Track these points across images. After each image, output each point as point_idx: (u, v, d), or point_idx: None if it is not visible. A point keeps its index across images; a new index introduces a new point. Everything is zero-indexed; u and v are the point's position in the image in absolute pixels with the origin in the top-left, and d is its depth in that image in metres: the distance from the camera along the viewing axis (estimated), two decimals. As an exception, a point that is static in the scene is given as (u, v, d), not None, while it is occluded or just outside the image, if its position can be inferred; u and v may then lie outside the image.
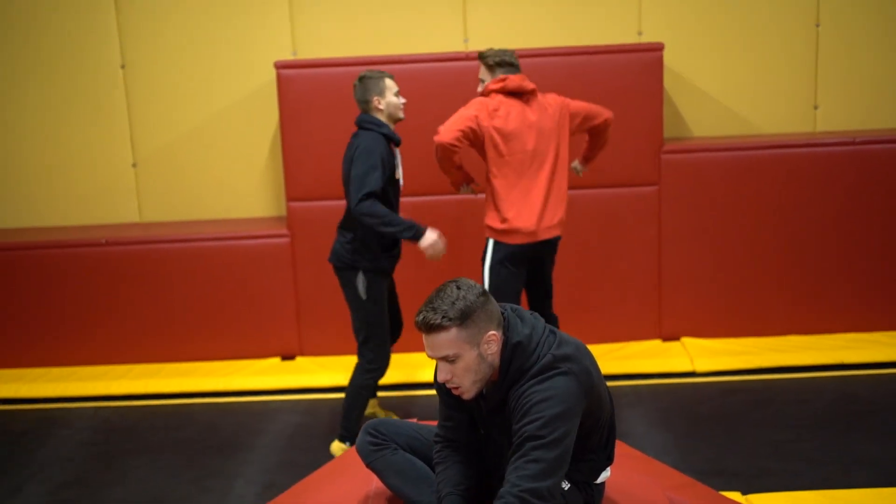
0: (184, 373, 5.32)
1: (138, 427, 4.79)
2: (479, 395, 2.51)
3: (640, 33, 5.59)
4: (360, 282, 4.19)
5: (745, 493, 3.74)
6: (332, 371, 5.26)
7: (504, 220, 4.17)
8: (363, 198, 4.00)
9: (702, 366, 5.08)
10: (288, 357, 5.52)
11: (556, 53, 5.27)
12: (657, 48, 5.22)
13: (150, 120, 5.74)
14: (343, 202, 4.37)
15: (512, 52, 4.34)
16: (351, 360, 5.37)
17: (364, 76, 4.19)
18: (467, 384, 2.43)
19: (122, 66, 5.69)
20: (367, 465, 2.74)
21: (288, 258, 5.42)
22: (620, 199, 5.30)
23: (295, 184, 5.35)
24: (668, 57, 5.47)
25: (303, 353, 5.53)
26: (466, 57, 5.28)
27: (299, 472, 3.91)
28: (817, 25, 5.60)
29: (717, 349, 5.28)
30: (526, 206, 4.15)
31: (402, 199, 5.21)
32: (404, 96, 5.23)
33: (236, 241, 5.43)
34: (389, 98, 4.17)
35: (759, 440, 4.22)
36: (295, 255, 5.41)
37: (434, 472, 2.62)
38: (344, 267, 4.25)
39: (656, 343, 5.44)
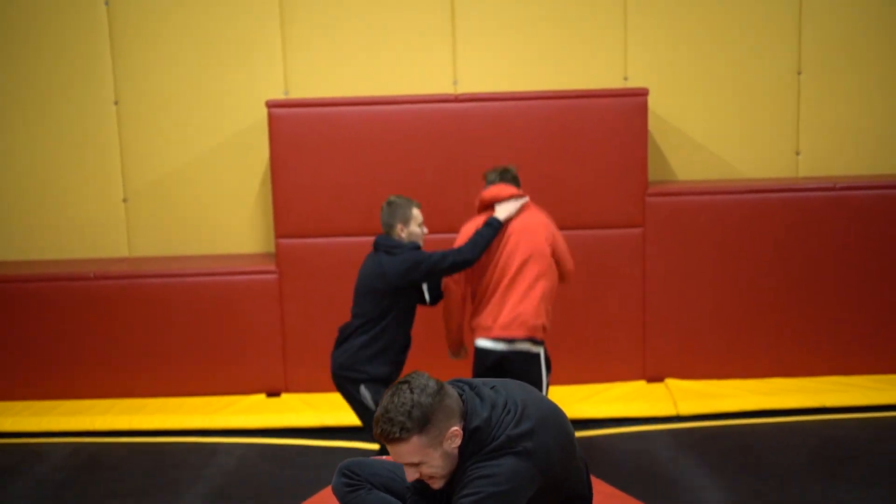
0: (168, 409, 5.30)
1: (121, 465, 4.73)
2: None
3: (625, 78, 5.70)
4: (366, 394, 4.18)
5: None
6: (317, 409, 5.26)
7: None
8: (439, 257, 4.12)
9: (685, 409, 5.11)
10: (273, 394, 5.52)
11: (543, 97, 5.36)
12: (642, 93, 5.32)
13: (142, 155, 5.79)
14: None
15: (502, 167, 4.43)
16: (337, 398, 5.37)
17: (392, 201, 4.27)
18: (438, 478, 2.45)
19: (116, 103, 5.75)
20: None
21: (275, 295, 5.44)
22: (606, 241, 5.37)
23: (284, 221, 5.39)
24: (654, 102, 5.57)
25: (288, 391, 5.53)
26: (455, 99, 5.36)
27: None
28: (799, 73, 5.71)
29: (701, 391, 5.31)
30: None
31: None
32: (392, 137, 5.33)
33: (224, 276, 5.45)
34: (413, 228, 4.25)
35: (741, 487, 4.20)
36: (282, 291, 5.44)
37: None
38: (349, 380, 4.22)
39: (641, 384, 5.47)
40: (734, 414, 5.08)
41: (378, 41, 5.69)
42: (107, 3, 5.65)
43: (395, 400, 2.36)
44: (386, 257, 4.15)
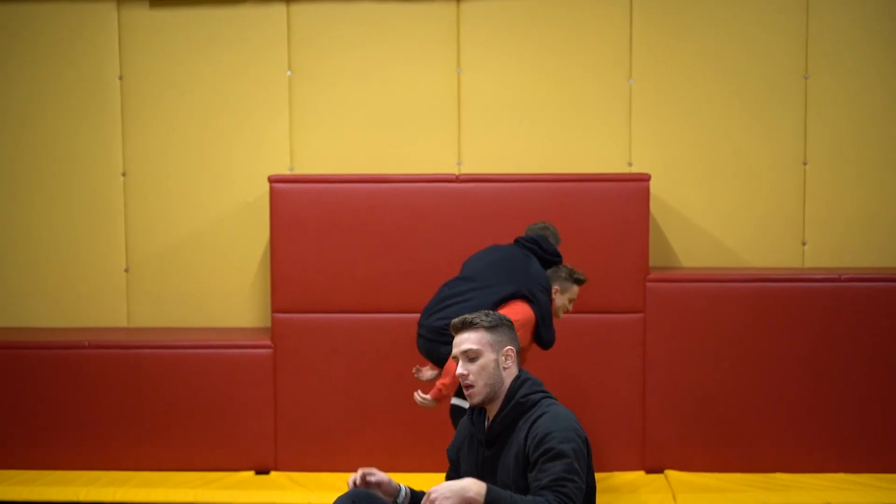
0: (154, 482, 5.19)
1: (101, 537, 4.65)
2: (479, 431, 2.82)
3: (630, 164, 5.71)
4: None
5: None
6: (306, 488, 5.14)
7: None
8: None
9: (684, 502, 4.93)
10: (262, 471, 5.40)
11: (544, 179, 5.37)
12: (644, 178, 5.31)
13: (146, 226, 5.83)
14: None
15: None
16: (326, 478, 5.27)
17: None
18: (480, 384, 2.75)
19: (123, 174, 5.83)
20: None
21: (269, 370, 5.38)
22: (605, 326, 5.29)
23: (281, 295, 5.37)
24: (658, 187, 5.56)
25: (278, 468, 5.41)
26: (457, 179, 5.38)
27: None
28: (805, 164, 5.70)
29: (701, 484, 5.14)
30: None
31: (393, 316, 5.24)
32: (393, 216, 5.34)
33: (218, 349, 5.41)
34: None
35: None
36: (276, 366, 5.38)
37: None
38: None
39: (639, 475, 5.31)
40: (734, 510, 4.90)
41: (384, 121, 5.75)
42: (121, 78, 5.78)
43: (481, 311, 2.89)
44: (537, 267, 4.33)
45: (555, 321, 4.41)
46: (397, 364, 5.28)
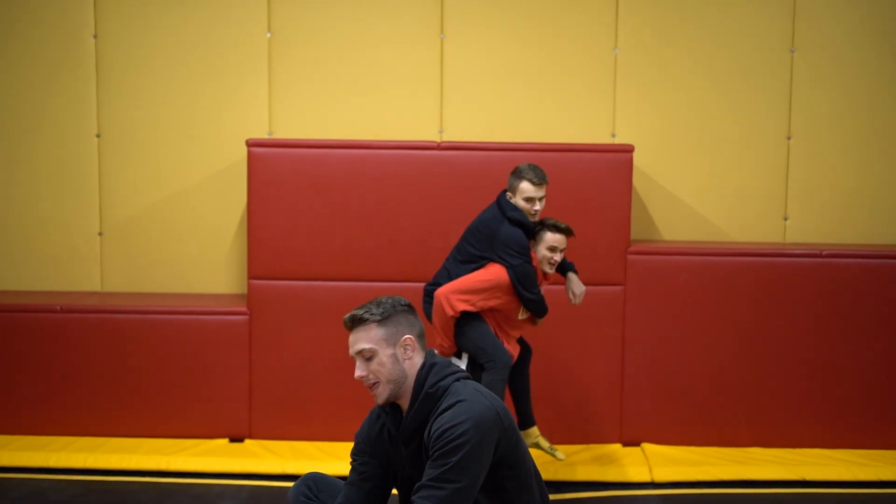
0: (127, 449, 5.13)
1: (73, 503, 4.58)
2: (393, 427, 2.64)
3: (613, 135, 5.64)
4: None
5: None
6: (280, 457, 5.09)
7: None
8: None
9: (661, 475, 4.91)
10: (236, 439, 5.35)
11: (527, 149, 5.29)
12: (627, 149, 5.26)
13: (120, 189, 5.72)
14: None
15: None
16: (301, 446, 5.22)
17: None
18: (382, 380, 2.60)
19: (98, 136, 5.70)
20: None
21: (245, 337, 5.31)
22: (585, 298, 5.23)
23: (258, 261, 5.29)
24: (641, 159, 5.51)
25: (252, 436, 5.36)
26: (438, 147, 5.30)
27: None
28: (789, 138, 5.66)
29: (677, 458, 5.13)
30: None
31: (371, 284, 5.18)
32: (373, 183, 5.27)
33: (193, 315, 5.33)
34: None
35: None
36: (252, 334, 5.31)
37: None
38: None
39: (616, 448, 5.30)
40: (710, 483, 4.89)
41: (365, 87, 5.64)
42: (95, 37, 5.63)
43: (371, 301, 2.70)
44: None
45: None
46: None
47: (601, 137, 5.62)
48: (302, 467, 4.89)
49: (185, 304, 5.42)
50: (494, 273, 4.31)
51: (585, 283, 5.29)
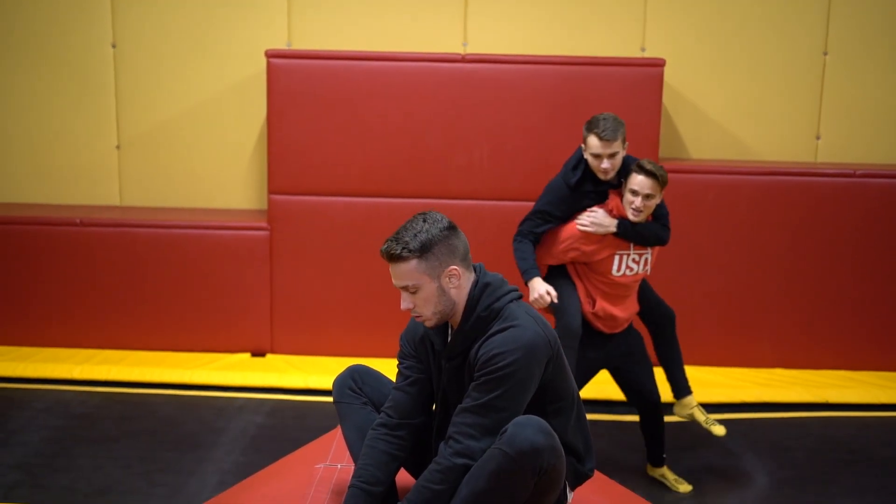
0: (149, 362, 5.15)
1: (95, 415, 4.63)
2: (438, 342, 2.53)
3: (643, 49, 5.46)
4: None
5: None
6: (302, 371, 5.10)
7: None
8: None
9: (683, 394, 4.90)
10: (258, 354, 5.36)
11: (554, 62, 5.13)
12: (658, 63, 5.09)
13: (137, 102, 5.61)
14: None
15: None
16: (323, 361, 5.23)
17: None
18: (428, 314, 2.47)
19: (113, 46, 5.57)
20: (335, 402, 2.74)
21: (265, 252, 5.27)
22: (610, 216, 5.15)
23: (278, 176, 5.21)
24: (670, 75, 5.34)
25: (274, 351, 5.37)
26: (462, 59, 5.14)
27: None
28: (825, 54, 5.46)
29: (701, 379, 5.10)
30: None
31: (392, 200, 5.10)
32: (395, 96, 5.13)
33: (214, 230, 5.28)
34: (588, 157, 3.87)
35: (729, 489, 3.98)
36: (273, 249, 5.27)
37: (364, 442, 2.58)
38: None
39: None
40: (731, 406, 4.87)
41: (388, -3, 5.48)
42: (109, -58, 5.46)
43: (407, 225, 2.46)
44: None
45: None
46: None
47: (630, 51, 5.45)
48: (323, 382, 4.90)
49: (205, 218, 5.36)
50: (561, 231, 3.89)
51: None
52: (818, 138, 5.55)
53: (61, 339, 5.32)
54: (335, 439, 3.07)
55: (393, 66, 5.13)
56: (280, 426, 4.56)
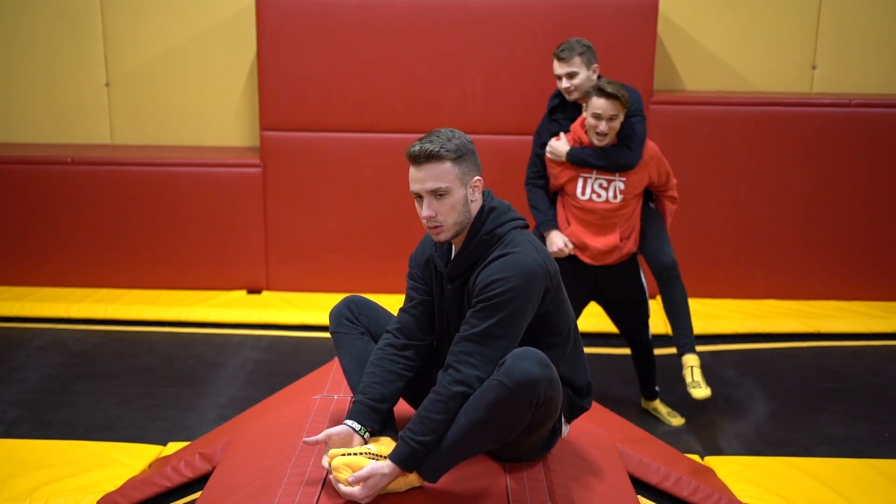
0: (146, 300, 5.18)
1: (94, 352, 4.67)
2: (440, 262, 2.52)
3: (638, -22, 5.37)
4: None
5: (702, 456, 3.65)
6: (297, 307, 5.13)
7: None
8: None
9: (676, 325, 4.94)
10: (254, 291, 5.39)
11: (547, -8, 5.06)
12: (653, -7, 5.01)
13: (126, 38, 5.53)
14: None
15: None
16: (319, 297, 5.25)
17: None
18: (450, 222, 2.42)
19: (99, -19, 5.48)
20: (332, 332, 2.71)
21: (259, 189, 5.26)
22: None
23: (270, 112, 5.17)
24: (665, 4, 5.26)
25: (269, 288, 5.39)
26: (455, -10, 5.06)
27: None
28: (822, -18, 5.38)
29: (695, 311, 5.12)
30: None
31: (386, 136, 5.14)
32: (386, 28, 5.06)
33: (206, 168, 5.26)
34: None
35: (722, 419, 4.03)
36: (266, 185, 5.25)
37: (368, 362, 2.58)
38: None
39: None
40: (725, 337, 4.91)
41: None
42: None
43: (436, 132, 2.42)
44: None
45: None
46: (388, 185, 5.17)
47: (625, -19, 5.36)
48: (319, 318, 4.94)
49: (196, 156, 5.33)
50: None
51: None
52: (814, 68, 5.49)
53: (57, 279, 5.34)
54: (331, 371, 3.11)
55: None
56: (277, 361, 4.60)
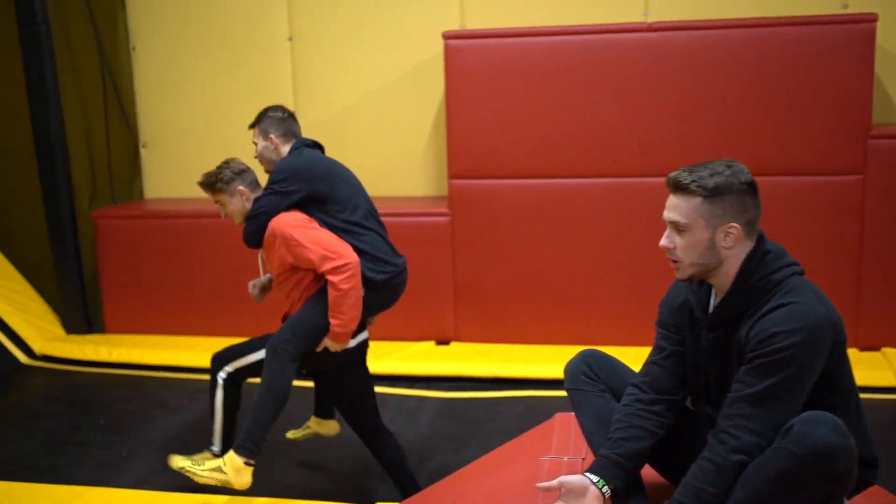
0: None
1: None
2: (698, 308, 2.30)
3: (845, 6, 5.00)
4: None
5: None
6: (488, 360, 4.96)
7: None
8: None
9: (905, 381, 4.47)
10: (443, 342, 5.27)
11: (747, 25, 4.76)
12: (869, 19, 4.62)
13: (315, 92, 5.64)
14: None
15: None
16: (508, 349, 5.08)
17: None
18: (686, 261, 2.24)
19: (290, 39, 5.61)
20: (568, 389, 2.54)
21: (447, 239, 5.17)
22: (819, 189, 4.74)
23: (458, 161, 5.09)
24: (882, 32, 4.85)
25: (459, 339, 5.26)
26: (648, 28, 4.86)
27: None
28: None
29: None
30: None
31: (577, 181, 4.89)
32: (576, 69, 4.89)
33: (396, 217, 5.20)
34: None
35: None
36: (454, 234, 5.16)
37: (613, 419, 2.37)
38: None
39: (853, 352, 4.84)
40: None
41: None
42: (283, -66, 5.49)
43: (708, 164, 2.23)
44: None
45: None
46: (580, 231, 4.97)
47: (830, 8, 4.99)
48: (511, 370, 4.77)
49: (386, 206, 5.30)
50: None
51: (819, 174, 4.81)
52: None
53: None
54: (554, 430, 2.90)
55: (573, 41, 4.91)
56: (471, 412, 4.44)
